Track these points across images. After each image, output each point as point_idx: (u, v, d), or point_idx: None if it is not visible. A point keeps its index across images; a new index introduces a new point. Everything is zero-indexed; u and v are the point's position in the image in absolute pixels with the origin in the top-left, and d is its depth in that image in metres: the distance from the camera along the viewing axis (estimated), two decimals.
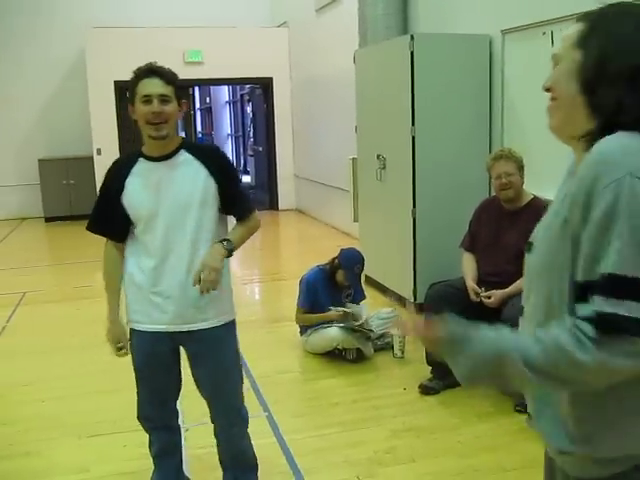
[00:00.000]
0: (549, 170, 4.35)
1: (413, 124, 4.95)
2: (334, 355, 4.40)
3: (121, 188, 2.43)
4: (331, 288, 4.49)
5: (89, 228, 2.58)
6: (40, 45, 10.72)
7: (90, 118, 10.12)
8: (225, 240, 2.41)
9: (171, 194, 2.41)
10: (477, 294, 3.75)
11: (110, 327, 2.59)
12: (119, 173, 2.47)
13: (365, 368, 4.30)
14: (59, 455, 3.30)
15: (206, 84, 13.39)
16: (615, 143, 1.16)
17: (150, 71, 2.37)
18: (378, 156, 5.53)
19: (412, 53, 4.87)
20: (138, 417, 2.71)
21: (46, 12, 10.69)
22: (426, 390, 3.86)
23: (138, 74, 2.38)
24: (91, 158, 10.27)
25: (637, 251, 1.10)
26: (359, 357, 4.36)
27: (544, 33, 4.34)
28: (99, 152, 10.20)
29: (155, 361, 2.55)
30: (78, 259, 8.02)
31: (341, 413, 3.68)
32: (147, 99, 2.33)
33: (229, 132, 16.48)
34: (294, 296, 4.56)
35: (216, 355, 2.56)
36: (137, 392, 2.65)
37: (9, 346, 5.00)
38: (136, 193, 2.43)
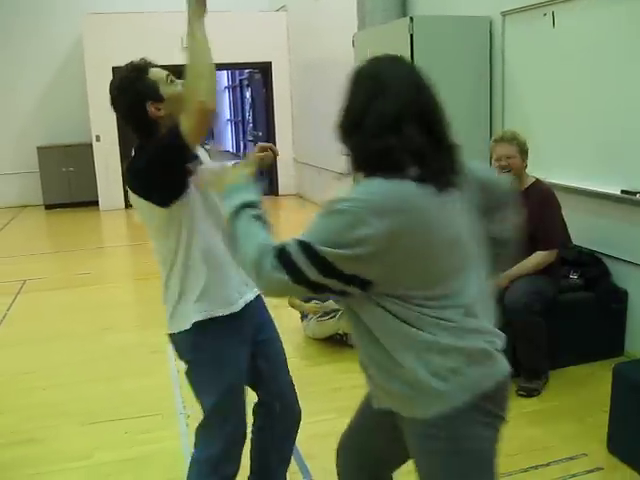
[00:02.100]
0: (550, 151, 4.32)
1: None
2: (335, 340, 4.39)
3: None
4: None
5: None
6: (37, 32, 10.64)
7: (88, 105, 10.07)
8: None
9: None
10: None
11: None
12: None
13: None
14: (61, 442, 3.30)
15: None
16: None
17: (149, 63, 2.07)
18: None
19: (412, 35, 4.82)
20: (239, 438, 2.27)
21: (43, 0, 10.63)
22: None
23: (143, 68, 2.04)
24: (90, 145, 10.26)
25: None
26: None
27: (545, 14, 4.29)
28: (98, 139, 10.19)
29: (248, 348, 2.24)
30: (78, 246, 8.03)
31: (341, 399, 3.67)
32: (170, 78, 2.05)
33: (228, 117, 16.42)
34: None
35: (272, 322, 2.45)
36: (232, 409, 2.21)
37: (10, 334, 4.99)
38: None
